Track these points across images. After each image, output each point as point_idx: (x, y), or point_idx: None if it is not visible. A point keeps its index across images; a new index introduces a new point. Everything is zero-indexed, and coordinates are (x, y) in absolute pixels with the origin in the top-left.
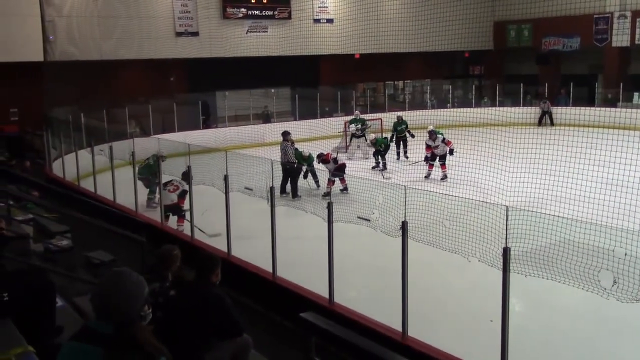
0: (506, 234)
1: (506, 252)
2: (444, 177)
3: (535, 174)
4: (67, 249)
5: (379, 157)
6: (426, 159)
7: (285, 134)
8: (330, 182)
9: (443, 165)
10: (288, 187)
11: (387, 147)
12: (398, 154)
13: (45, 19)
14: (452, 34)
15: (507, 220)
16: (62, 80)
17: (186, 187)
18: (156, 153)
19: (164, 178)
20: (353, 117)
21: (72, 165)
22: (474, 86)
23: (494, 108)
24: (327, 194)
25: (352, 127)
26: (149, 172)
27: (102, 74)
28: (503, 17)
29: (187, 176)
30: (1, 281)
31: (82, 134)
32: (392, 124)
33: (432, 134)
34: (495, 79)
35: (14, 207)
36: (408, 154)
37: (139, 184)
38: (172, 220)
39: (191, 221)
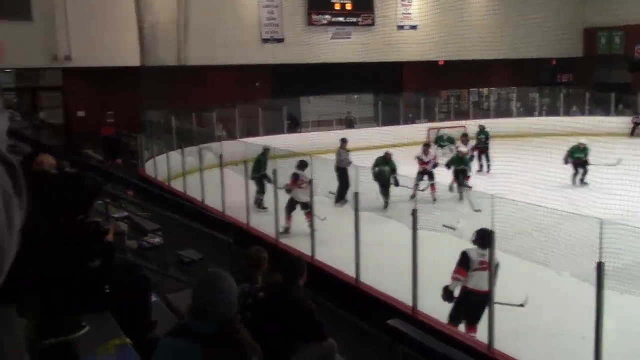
0: (600, 248)
1: (600, 267)
2: (434, 199)
3: (630, 186)
4: (159, 246)
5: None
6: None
7: (343, 141)
8: (433, 187)
9: (432, 186)
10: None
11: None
12: (480, 165)
13: (141, 25)
14: (539, 40)
15: (601, 233)
16: (156, 85)
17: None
18: (264, 147)
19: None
20: (440, 135)
21: (163, 166)
22: (562, 94)
23: (583, 117)
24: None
25: (439, 151)
26: (260, 166)
27: (192, 79)
28: (594, 23)
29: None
30: (103, 276)
31: (173, 136)
32: (476, 133)
33: (427, 147)
34: (585, 87)
35: (111, 204)
36: (491, 166)
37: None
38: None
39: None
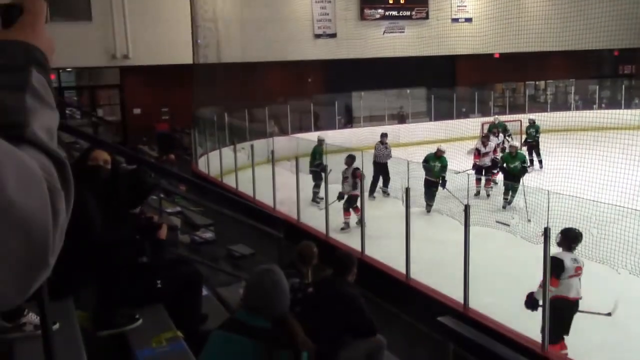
0: None
1: None
2: (488, 195)
3: None
4: (211, 241)
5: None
6: (478, 170)
7: (383, 136)
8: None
9: (488, 182)
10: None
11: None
12: (531, 161)
13: (195, 23)
14: (600, 30)
15: None
16: (209, 82)
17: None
18: (319, 137)
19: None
20: (492, 122)
21: (215, 161)
22: (623, 86)
23: None
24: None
25: (493, 142)
26: (315, 157)
27: (244, 75)
28: None
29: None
30: (155, 270)
31: (225, 132)
32: (526, 128)
33: (486, 138)
34: None
35: (165, 199)
36: (543, 162)
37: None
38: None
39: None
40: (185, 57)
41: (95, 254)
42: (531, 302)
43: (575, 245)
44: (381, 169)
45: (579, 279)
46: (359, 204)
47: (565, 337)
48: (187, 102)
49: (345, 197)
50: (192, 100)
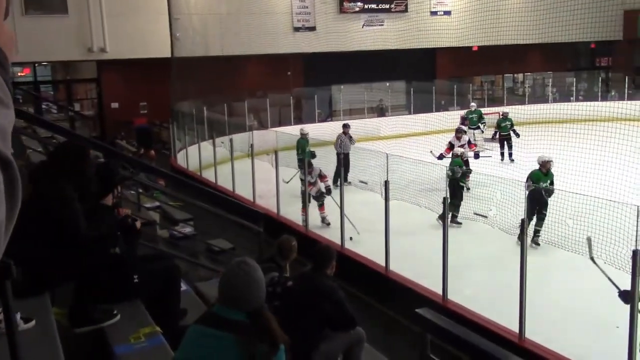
0: (637, 236)
1: (636, 255)
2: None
3: None
4: (190, 236)
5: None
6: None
7: (345, 126)
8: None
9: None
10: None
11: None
12: (502, 154)
13: (173, 16)
14: (577, 24)
15: (638, 220)
16: (187, 76)
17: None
18: (301, 131)
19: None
20: (468, 109)
21: (194, 156)
22: (600, 79)
23: (622, 102)
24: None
25: (466, 136)
26: (299, 151)
27: (223, 69)
28: (634, 5)
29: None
30: (132, 265)
31: (204, 126)
32: (497, 121)
33: (460, 131)
34: (625, 72)
35: (143, 194)
36: (513, 157)
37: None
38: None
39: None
40: (163, 50)
41: (76, 250)
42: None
43: None
44: (343, 159)
45: None
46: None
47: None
48: (166, 96)
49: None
50: (171, 94)
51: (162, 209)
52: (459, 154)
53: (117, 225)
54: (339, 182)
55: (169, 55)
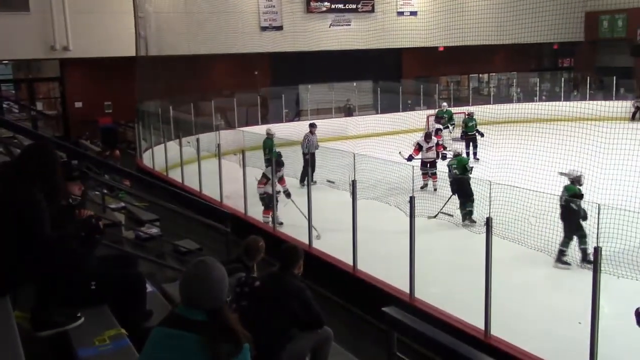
0: (597, 233)
1: (597, 251)
2: (435, 189)
3: (628, 171)
4: (156, 237)
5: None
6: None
7: (312, 126)
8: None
9: (434, 175)
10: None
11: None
12: (468, 154)
13: (138, 14)
14: (540, 25)
15: (598, 218)
16: (153, 75)
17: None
18: (268, 131)
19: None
20: (439, 109)
21: (161, 156)
22: (563, 79)
23: (584, 102)
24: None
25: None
26: (266, 151)
27: (190, 68)
28: (595, 7)
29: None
30: (89, 271)
31: (170, 126)
32: (462, 120)
33: (429, 136)
34: (586, 72)
35: (108, 195)
36: (478, 156)
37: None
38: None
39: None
40: (128, 49)
41: (39, 252)
42: None
43: None
44: (310, 159)
45: None
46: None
47: None
48: (131, 95)
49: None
50: (136, 93)
51: (127, 209)
52: (459, 152)
53: (82, 226)
54: (305, 182)
55: (134, 54)
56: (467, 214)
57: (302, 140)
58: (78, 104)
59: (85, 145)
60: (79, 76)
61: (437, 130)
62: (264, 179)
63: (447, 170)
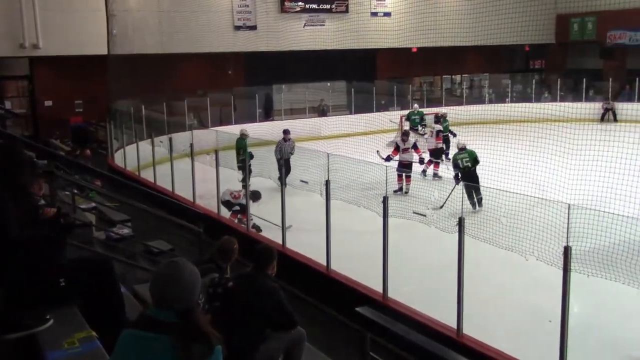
0: (567, 233)
1: (567, 251)
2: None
3: (598, 171)
4: (128, 237)
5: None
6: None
7: (286, 132)
8: (400, 178)
9: (408, 178)
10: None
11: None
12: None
13: (109, 13)
14: (512, 27)
15: (568, 218)
16: (125, 74)
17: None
18: (241, 131)
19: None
20: (411, 110)
21: (133, 156)
22: (534, 81)
23: (554, 103)
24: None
25: (412, 139)
26: (240, 152)
27: (162, 67)
28: (566, 9)
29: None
30: (63, 268)
31: (142, 125)
32: (434, 122)
33: (406, 135)
34: (557, 74)
35: (78, 195)
36: (450, 156)
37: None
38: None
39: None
40: (99, 47)
41: (6, 254)
42: None
43: None
44: (284, 164)
45: None
46: None
47: None
48: (102, 94)
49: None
50: (108, 92)
51: (98, 210)
52: (464, 145)
53: (50, 227)
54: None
55: (105, 52)
56: (478, 200)
57: (275, 148)
58: (48, 103)
59: (55, 144)
60: (49, 74)
61: (438, 132)
62: (243, 191)
63: (449, 163)
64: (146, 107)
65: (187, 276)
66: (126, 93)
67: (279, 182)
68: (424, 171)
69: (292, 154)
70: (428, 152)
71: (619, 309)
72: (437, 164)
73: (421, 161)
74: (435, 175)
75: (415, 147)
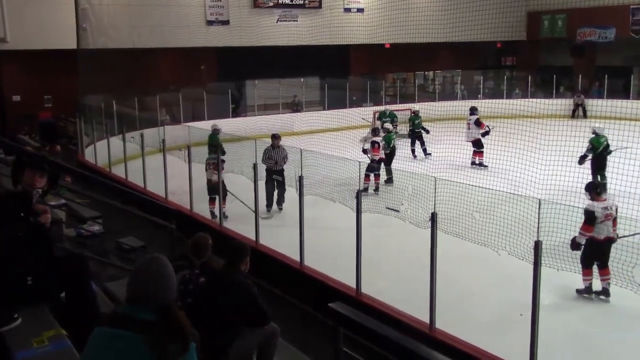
0: (538, 227)
1: (538, 245)
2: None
3: (568, 166)
4: (99, 234)
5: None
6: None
7: (275, 137)
8: (367, 178)
9: (377, 176)
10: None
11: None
12: (413, 151)
13: (79, 6)
14: (484, 24)
15: (539, 213)
16: (95, 68)
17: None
18: (214, 126)
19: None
20: (383, 110)
21: (103, 151)
22: (505, 77)
23: (526, 99)
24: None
25: (381, 126)
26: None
27: (134, 62)
28: (537, 7)
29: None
30: (32, 267)
31: (114, 121)
32: (408, 118)
33: (376, 131)
34: (528, 70)
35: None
36: (429, 151)
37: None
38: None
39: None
40: (68, 41)
41: None
42: (575, 245)
43: (600, 192)
44: (277, 179)
45: (610, 222)
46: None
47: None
48: (72, 88)
49: None
50: (78, 87)
51: (68, 206)
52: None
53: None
54: (272, 207)
55: (75, 46)
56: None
57: (263, 156)
58: (16, 98)
59: (24, 140)
60: (17, 68)
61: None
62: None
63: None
64: (117, 103)
65: (168, 272)
66: (97, 88)
67: (267, 210)
68: (413, 150)
69: (285, 162)
70: (470, 144)
71: (590, 302)
72: (480, 153)
73: (373, 161)
74: (481, 164)
75: (373, 145)
